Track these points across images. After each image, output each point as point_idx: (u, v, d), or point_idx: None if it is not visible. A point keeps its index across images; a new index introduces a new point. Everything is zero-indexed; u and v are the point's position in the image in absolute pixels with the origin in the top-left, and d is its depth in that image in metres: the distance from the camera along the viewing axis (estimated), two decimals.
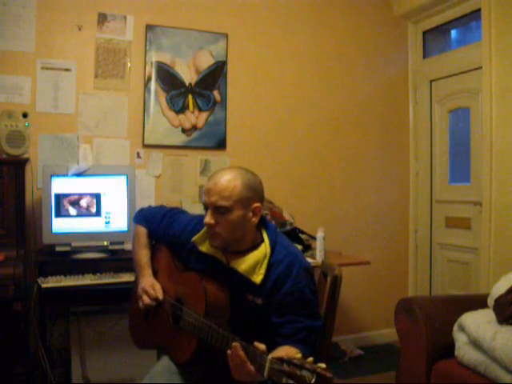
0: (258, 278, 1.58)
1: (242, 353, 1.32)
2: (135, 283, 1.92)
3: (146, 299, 1.75)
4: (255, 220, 1.61)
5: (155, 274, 1.86)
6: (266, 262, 1.59)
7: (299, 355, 1.21)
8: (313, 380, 1.11)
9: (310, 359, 1.17)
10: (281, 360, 1.20)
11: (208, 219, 1.58)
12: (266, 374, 1.23)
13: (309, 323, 1.55)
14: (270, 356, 1.25)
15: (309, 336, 1.55)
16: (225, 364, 1.41)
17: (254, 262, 1.59)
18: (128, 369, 2.76)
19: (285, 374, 1.16)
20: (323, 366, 1.14)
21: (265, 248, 1.62)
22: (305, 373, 1.13)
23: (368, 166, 3.89)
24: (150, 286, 1.77)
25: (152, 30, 3.22)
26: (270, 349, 1.38)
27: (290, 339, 1.51)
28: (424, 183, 3.96)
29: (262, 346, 1.31)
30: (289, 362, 1.17)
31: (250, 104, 3.52)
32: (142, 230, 1.93)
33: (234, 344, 1.35)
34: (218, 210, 1.56)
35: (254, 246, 1.63)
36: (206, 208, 1.60)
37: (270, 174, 3.35)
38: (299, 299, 1.56)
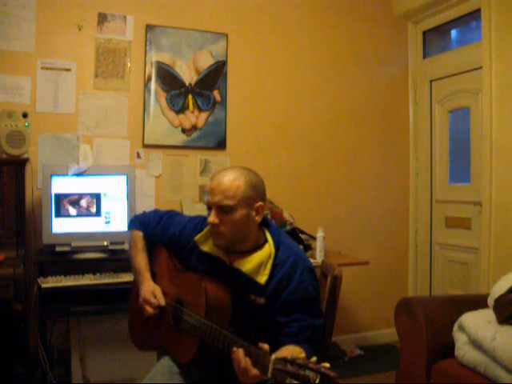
0: (262, 279, 1.58)
1: (244, 357, 1.32)
2: (134, 285, 1.91)
3: (148, 309, 1.71)
4: (258, 219, 1.61)
5: (154, 277, 1.84)
6: (270, 262, 1.59)
7: (303, 355, 1.21)
8: (317, 380, 1.10)
9: (314, 359, 1.16)
10: (284, 360, 1.19)
11: (212, 218, 1.57)
12: (269, 374, 1.23)
13: (313, 322, 1.56)
14: (273, 356, 1.24)
15: (313, 334, 1.55)
16: (227, 364, 1.40)
17: (259, 263, 1.59)
18: (128, 369, 2.76)
19: (289, 375, 1.16)
20: (327, 365, 1.13)
21: (269, 248, 1.61)
22: (309, 373, 1.12)
23: (368, 166, 3.89)
24: (151, 294, 1.73)
25: (152, 30, 3.22)
26: (274, 349, 1.38)
27: (296, 338, 1.51)
28: (424, 183, 3.96)
29: (265, 346, 1.31)
30: (292, 361, 1.16)
31: (250, 104, 3.52)
32: (138, 234, 1.90)
33: (235, 350, 1.34)
34: (222, 210, 1.56)
35: (258, 246, 1.63)
36: (209, 207, 1.60)
37: (269, 173, 3.33)
38: (304, 298, 1.56)
